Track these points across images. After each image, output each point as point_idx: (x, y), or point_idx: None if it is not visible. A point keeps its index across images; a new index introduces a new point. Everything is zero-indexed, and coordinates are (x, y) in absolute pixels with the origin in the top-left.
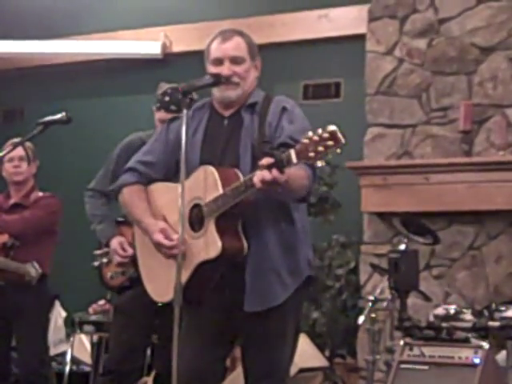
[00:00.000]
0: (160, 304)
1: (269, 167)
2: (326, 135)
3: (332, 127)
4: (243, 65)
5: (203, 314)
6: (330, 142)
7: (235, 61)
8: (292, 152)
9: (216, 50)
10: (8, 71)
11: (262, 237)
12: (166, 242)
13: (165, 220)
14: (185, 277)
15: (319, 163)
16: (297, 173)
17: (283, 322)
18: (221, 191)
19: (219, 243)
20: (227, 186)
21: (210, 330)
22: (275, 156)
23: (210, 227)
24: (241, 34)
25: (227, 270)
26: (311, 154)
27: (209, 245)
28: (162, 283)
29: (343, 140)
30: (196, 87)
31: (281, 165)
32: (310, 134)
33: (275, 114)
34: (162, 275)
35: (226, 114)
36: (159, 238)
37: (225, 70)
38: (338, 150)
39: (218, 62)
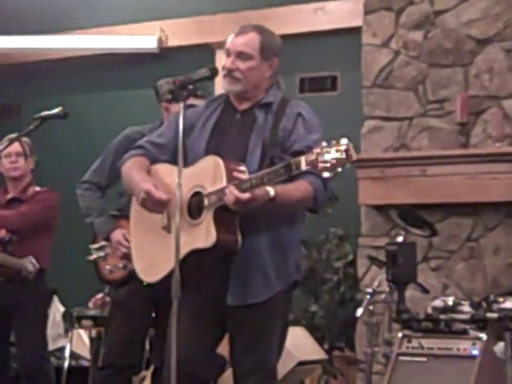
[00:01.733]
0: (145, 284)
1: (278, 171)
2: (339, 149)
3: (346, 141)
4: (248, 62)
5: (193, 304)
6: (343, 157)
7: (241, 56)
8: (302, 159)
9: (229, 41)
10: (4, 66)
11: (256, 236)
12: (154, 192)
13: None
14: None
15: (327, 174)
16: (291, 188)
17: (269, 317)
18: (225, 184)
19: (214, 234)
20: (232, 178)
21: (200, 318)
22: (285, 160)
23: (208, 217)
24: (260, 30)
25: (218, 262)
26: (321, 165)
27: (204, 234)
28: (149, 262)
29: (355, 157)
30: (192, 80)
31: (289, 169)
32: (323, 144)
33: (290, 119)
34: (151, 255)
35: (240, 108)
36: (149, 186)
37: (228, 62)
38: (348, 165)
39: (227, 53)
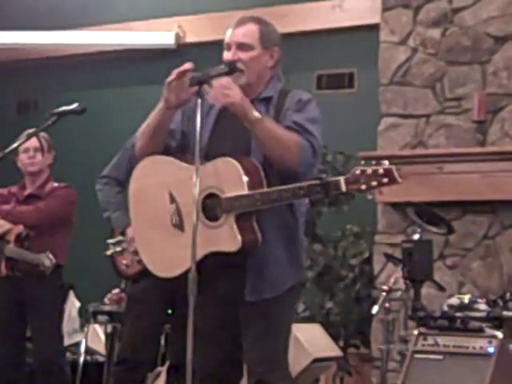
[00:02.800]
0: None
1: (312, 188)
2: (381, 171)
3: (388, 165)
4: (250, 52)
5: (206, 304)
6: (385, 180)
7: (241, 47)
8: (341, 180)
9: (227, 34)
10: (22, 62)
11: (267, 229)
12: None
13: (172, 197)
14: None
15: (369, 196)
16: (280, 127)
17: (281, 312)
18: (246, 191)
19: (239, 239)
20: (251, 183)
21: (217, 322)
22: (322, 179)
23: (230, 221)
24: (258, 20)
25: (229, 260)
26: (363, 187)
27: (229, 238)
28: (161, 257)
29: (400, 180)
30: (210, 76)
31: (327, 190)
32: (364, 166)
33: (290, 106)
34: (163, 250)
35: None
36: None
37: (230, 55)
38: (391, 186)
39: (227, 46)
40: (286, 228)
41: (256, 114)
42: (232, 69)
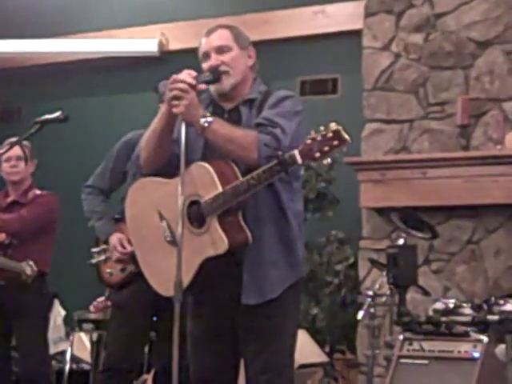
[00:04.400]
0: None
1: (273, 168)
2: (330, 135)
3: (335, 126)
4: (230, 53)
5: (203, 310)
6: (335, 142)
7: (221, 50)
8: (296, 152)
9: (202, 45)
10: (5, 70)
11: (261, 229)
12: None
13: (161, 216)
14: (191, 272)
15: (324, 161)
16: (235, 133)
17: (281, 315)
18: (220, 189)
19: (225, 240)
20: (225, 181)
21: (212, 327)
22: (279, 157)
23: (214, 224)
24: (226, 26)
25: (224, 264)
26: (317, 155)
27: (215, 241)
28: (166, 278)
29: (348, 139)
30: (195, 85)
31: (285, 166)
32: (313, 133)
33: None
34: (166, 270)
35: (227, 107)
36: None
37: (212, 60)
38: (344, 149)
39: (206, 56)
40: (281, 230)
41: (202, 120)
42: (217, 74)
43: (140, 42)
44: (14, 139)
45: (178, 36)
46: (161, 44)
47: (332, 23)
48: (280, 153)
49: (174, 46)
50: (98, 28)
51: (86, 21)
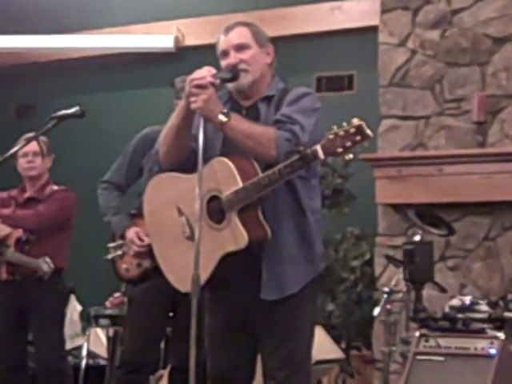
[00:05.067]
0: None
1: (294, 163)
2: (352, 130)
3: (358, 121)
4: (248, 51)
5: (221, 306)
6: (358, 137)
7: (239, 48)
8: (318, 147)
9: (221, 43)
10: (21, 66)
11: (279, 225)
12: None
13: (179, 211)
14: (210, 268)
15: (347, 157)
16: (253, 129)
17: (299, 311)
18: (240, 184)
19: (245, 235)
20: (245, 177)
21: (230, 323)
22: (300, 152)
23: (234, 219)
24: (245, 23)
25: (242, 259)
26: (339, 150)
27: (235, 236)
28: (184, 274)
29: (371, 134)
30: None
31: (307, 161)
32: (336, 129)
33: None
34: (184, 265)
35: (245, 104)
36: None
37: (231, 59)
38: (366, 144)
39: (225, 54)
40: (300, 226)
41: (220, 116)
42: (236, 72)
43: (156, 37)
44: (30, 135)
45: (194, 32)
46: (177, 40)
47: (348, 19)
48: (302, 148)
49: (190, 41)
50: (114, 24)
51: (102, 16)
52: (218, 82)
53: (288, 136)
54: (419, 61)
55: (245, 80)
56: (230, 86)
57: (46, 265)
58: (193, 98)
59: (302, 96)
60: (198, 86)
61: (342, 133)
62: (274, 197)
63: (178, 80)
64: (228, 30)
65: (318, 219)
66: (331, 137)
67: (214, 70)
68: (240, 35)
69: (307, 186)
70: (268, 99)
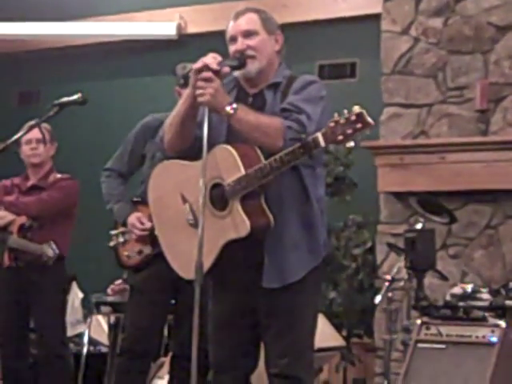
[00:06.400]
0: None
1: (296, 151)
2: (353, 118)
3: (358, 109)
4: (256, 37)
5: (224, 294)
6: (359, 125)
7: (248, 34)
8: (319, 135)
9: (230, 28)
10: (23, 53)
11: (284, 213)
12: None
13: (183, 198)
14: (212, 255)
15: (348, 144)
16: (260, 120)
17: (302, 299)
18: (243, 172)
19: (247, 222)
20: (248, 164)
21: (233, 310)
22: (301, 140)
23: (236, 207)
24: (255, 10)
25: (245, 247)
26: (340, 137)
27: (237, 224)
28: (187, 261)
29: (372, 121)
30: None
31: (308, 148)
32: (337, 116)
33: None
34: (188, 252)
35: (251, 91)
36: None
37: (238, 45)
38: (367, 132)
39: (233, 39)
40: (304, 214)
41: (227, 108)
42: (243, 59)
43: (158, 25)
44: (33, 122)
45: (196, 19)
46: (179, 27)
47: (351, 7)
48: (303, 136)
49: (192, 29)
50: (117, 11)
51: (104, 4)
52: (227, 70)
53: (295, 126)
54: (422, 49)
55: (252, 67)
56: (236, 73)
57: (50, 250)
58: (199, 91)
59: (309, 84)
60: (204, 79)
61: (342, 120)
62: (279, 184)
63: (179, 67)
64: (237, 15)
65: (322, 208)
66: (332, 124)
67: (219, 57)
68: (249, 21)
69: (312, 174)
70: (274, 86)
